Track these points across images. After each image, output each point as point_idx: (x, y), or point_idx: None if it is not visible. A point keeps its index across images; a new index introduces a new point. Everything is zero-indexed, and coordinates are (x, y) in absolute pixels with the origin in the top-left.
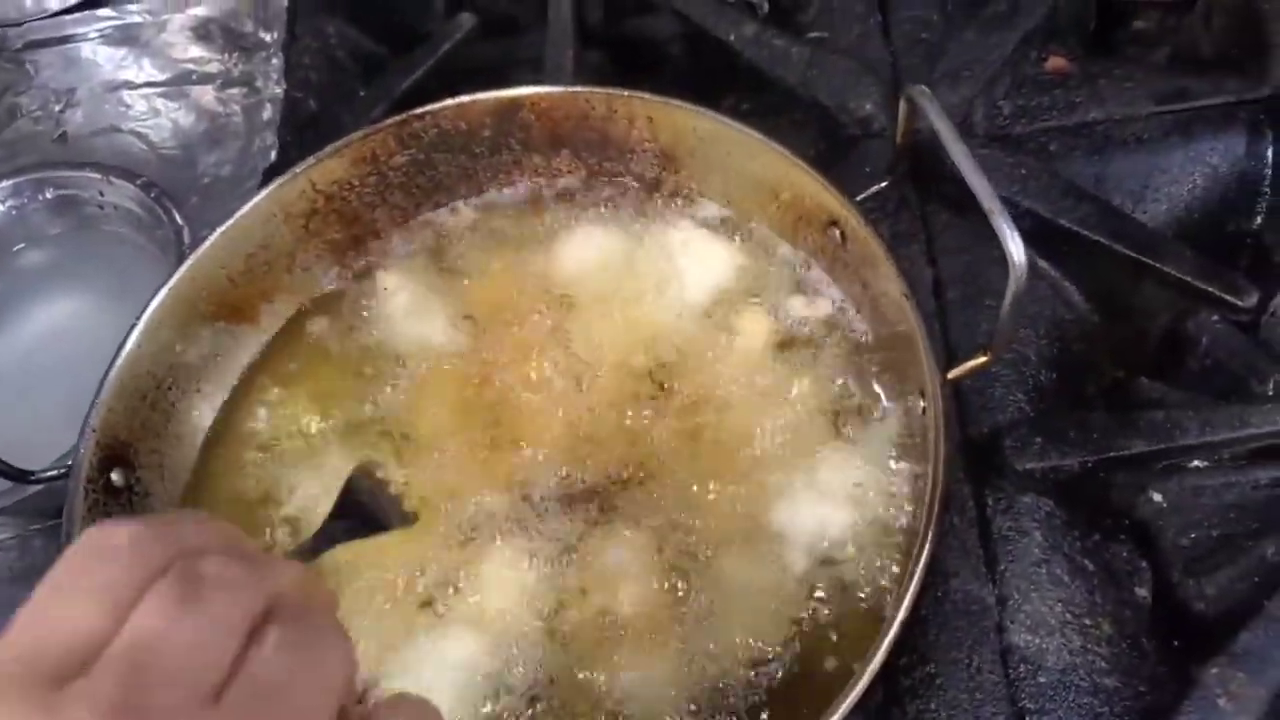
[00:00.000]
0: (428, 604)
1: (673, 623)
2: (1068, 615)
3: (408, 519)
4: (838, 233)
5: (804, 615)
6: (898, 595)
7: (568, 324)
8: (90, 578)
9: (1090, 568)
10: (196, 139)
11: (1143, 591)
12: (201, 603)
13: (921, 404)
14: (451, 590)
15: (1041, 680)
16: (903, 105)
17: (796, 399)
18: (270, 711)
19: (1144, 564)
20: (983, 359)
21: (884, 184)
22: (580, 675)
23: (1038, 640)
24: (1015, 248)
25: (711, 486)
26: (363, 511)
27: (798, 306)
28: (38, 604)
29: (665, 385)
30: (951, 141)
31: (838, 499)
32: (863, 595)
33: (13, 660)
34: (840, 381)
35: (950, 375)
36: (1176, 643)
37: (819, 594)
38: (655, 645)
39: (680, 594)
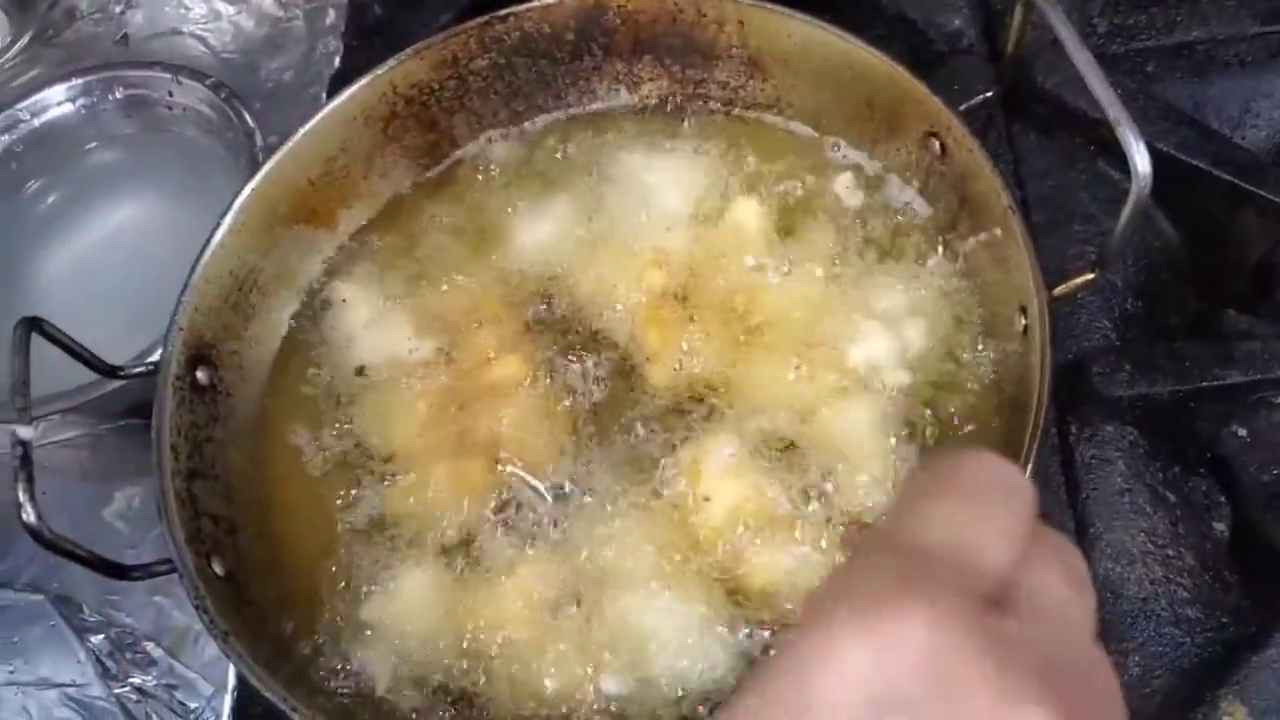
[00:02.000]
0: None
1: (798, 508)
2: (1150, 545)
3: None
4: (937, 144)
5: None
6: None
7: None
8: (999, 509)
9: (1172, 499)
10: (258, 44)
11: (1220, 526)
12: (1075, 585)
13: (1022, 322)
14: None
15: (1123, 608)
16: (1018, 10)
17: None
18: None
19: (1222, 499)
20: (1090, 276)
21: (989, 94)
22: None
23: (1119, 569)
24: (1141, 158)
25: (782, 368)
26: None
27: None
28: (953, 512)
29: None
30: (1075, 47)
31: (906, 317)
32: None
33: (947, 566)
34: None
35: (1056, 292)
36: (1261, 577)
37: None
38: (792, 524)
39: (800, 473)
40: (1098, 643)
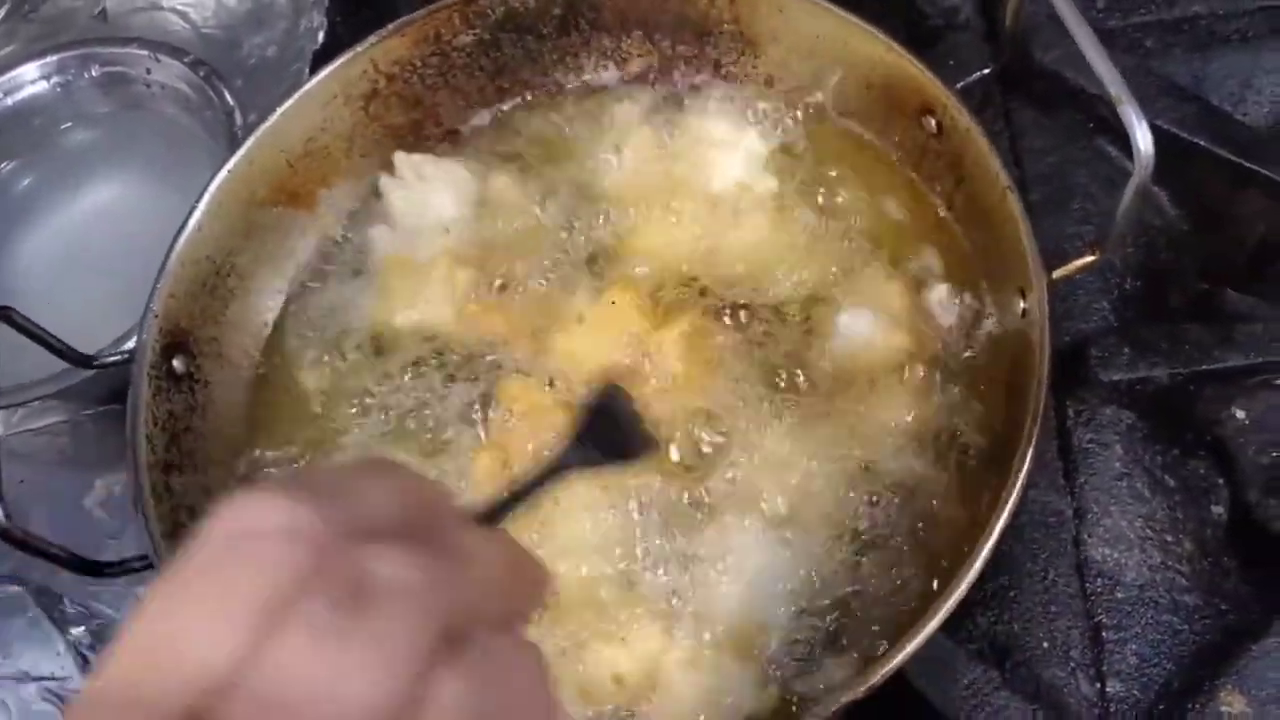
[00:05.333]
0: None
1: None
2: (1148, 531)
3: (650, 444)
4: (933, 122)
5: None
6: (996, 508)
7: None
8: (230, 581)
9: (1171, 483)
10: (240, 19)
11: (1219, 509)
12: (361, 632)
13: (1021, 304)
14: None
15: (1119, 595)
16: None
17: None
18: None
19: (1220, 481)
20: (1090, 258)
21: (986, 70)
22: None
23: (1116, 555)
24: (1143, 138)
25: None
26: (609, 434)
27: None
28: (165, 607)
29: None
30: (1074, 22)
31: None
32: None
33: (128, 690)
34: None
35: (1056, 274)
36: (1259, 563)
37: None
38: None
39: None
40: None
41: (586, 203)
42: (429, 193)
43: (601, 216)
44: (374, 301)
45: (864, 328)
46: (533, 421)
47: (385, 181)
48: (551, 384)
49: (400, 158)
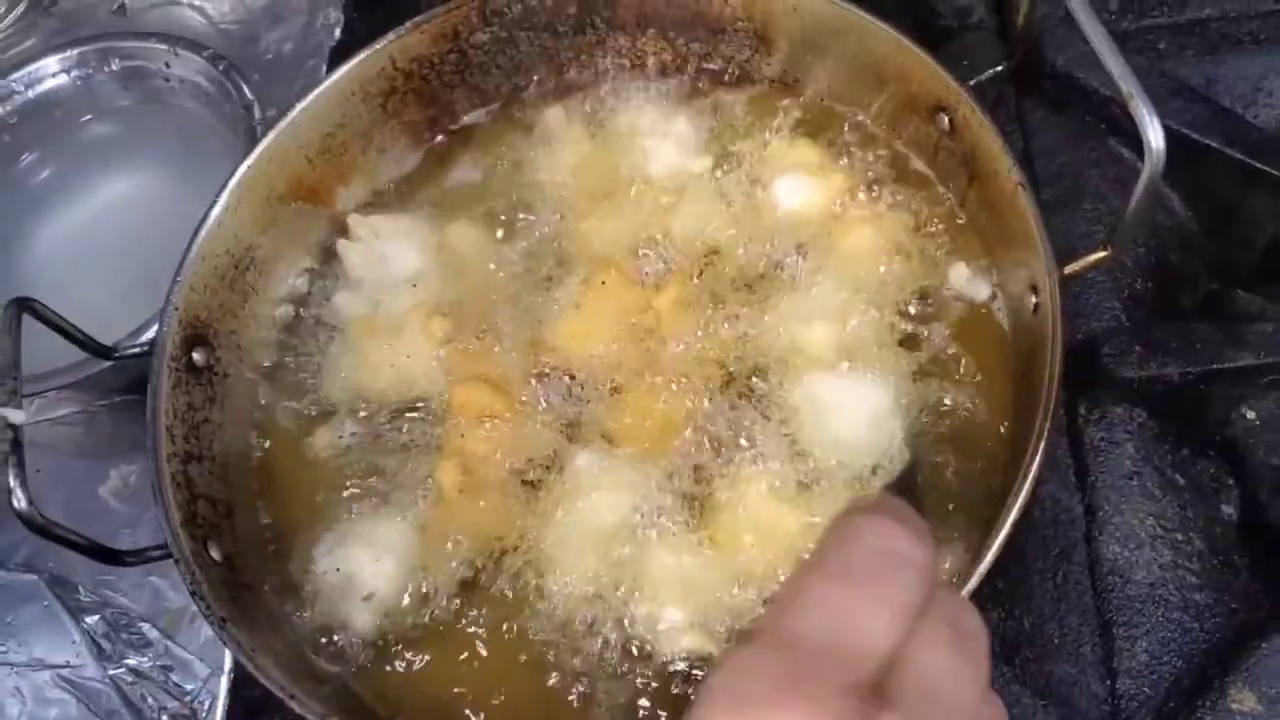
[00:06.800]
0: None
1: None
2: (1159, 529)
3: None
4: (946, 120)
5: None
6: (1008, 498)
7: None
8: (886, 587)
9: (1181, 482)
10: (257, 14)
11: (1229, 509)
12: (968, 654)
13: (1033, 300)
14: None
15: (1130, 593)
16: None
17: None
18: None
19: (1230, 481)
20: (1102, 254)
21: (999, 68)
22: None
23: (1127, 552)
24: (1154, 134)
25: None
26: None
27: None
28: (836, 596)
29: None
30: (1088, 20)
31: None
32: None
33: (827, 656)
34: None
35: (1067, 271)
36: (1270, 562)
37: None
38: None
39: None
40: (991, 694)
41: (541, 213)
42: (388, 250)
43: (559, 217)
44: (351, 367)
45: (797, 187)
46: (486, 422)
47: (343, 245)
48: (541, 377)
49: (355, 219)
